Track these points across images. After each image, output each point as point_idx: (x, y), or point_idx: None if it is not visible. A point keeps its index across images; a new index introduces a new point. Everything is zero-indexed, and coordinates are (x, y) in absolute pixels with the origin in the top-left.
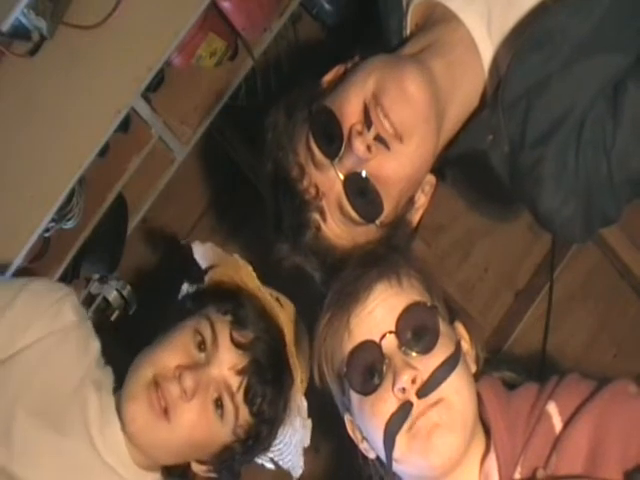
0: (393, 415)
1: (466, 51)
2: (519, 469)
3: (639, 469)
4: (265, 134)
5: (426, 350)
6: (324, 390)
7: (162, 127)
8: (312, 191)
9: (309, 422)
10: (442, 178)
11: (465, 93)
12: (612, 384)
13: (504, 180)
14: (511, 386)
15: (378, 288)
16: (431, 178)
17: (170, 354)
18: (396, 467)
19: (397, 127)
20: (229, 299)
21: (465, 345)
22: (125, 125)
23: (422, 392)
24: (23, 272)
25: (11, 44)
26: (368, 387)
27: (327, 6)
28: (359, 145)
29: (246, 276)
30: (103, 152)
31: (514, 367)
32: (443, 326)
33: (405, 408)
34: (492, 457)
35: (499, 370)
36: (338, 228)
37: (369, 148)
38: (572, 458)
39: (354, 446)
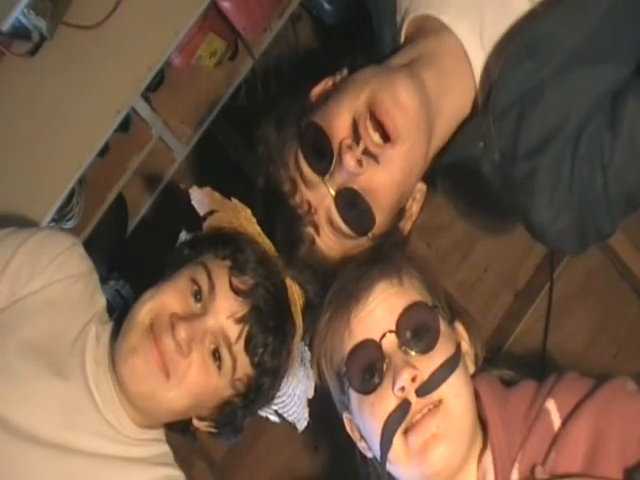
0: (391, 414)
1: (457, 62)
2: (517, 465)
3: (639, 467)
4: (256, 147)
5: (426, 350)
6: (323, 388)
7: (162, 127)
8: (305, 206)
9: (312, 373)
10: (433, 187)
11: (455, 103)
12: (611, 382)
13: (495, 189)
14: (510, 384)
15: (379, 287)
16: (422, 186)
17: (166, 301)
18: (390, 467)
19: (391, 133)
20: (228, 244)
21: (465, 345)
22: (125, 125)
23: (422, 391)
24: None
25: (11, 44)
26: (368, 386)
27: (327, 6)
28: (349, 160)
29: (245, 220)
30: (103, 152)
31: (512, 365)
32: (443, 326)
33: (404, 407)
34: (488, 454)
35: (497, 368)
36: (331, 241)
37: (360, 162)
38: (571, 455)
39: (352, 445)
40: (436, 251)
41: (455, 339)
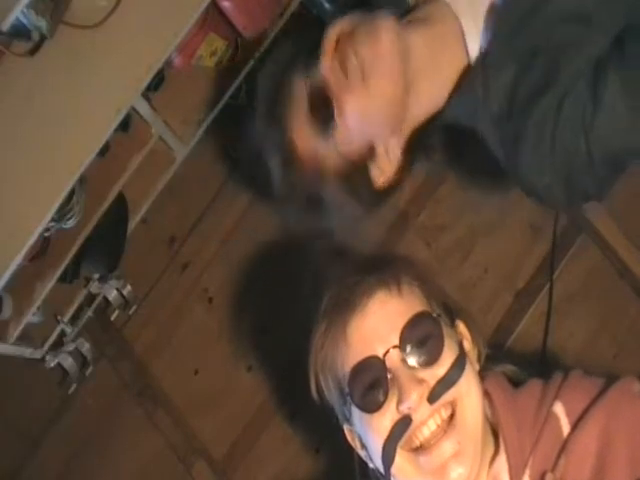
0: (392, 430)
1: (449, 30)
2: (528, 472)
3: None
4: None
5: (431, 362)
6: (321, 398)
7: (162, 127)
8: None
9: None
10: (432, 153)
11: (442, 69)
12: (617, 384)
13: (491, 147)
14: (512, 380)
15: (378, 297)
16: (396, 147)
17: None
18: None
19: (361, 63)
20: None
21: (467, 344)
22: (125, 124)
23: (432, 398)
24: (23, 271)
25: (11, 43)
26: (372, 404)
27: (327, 6)
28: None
29: None
30: (103, 151)
31: (515, 361)
32: (446, 331)
33: (404, 422)
34: (502, 458)
35: (501, 364)
36: (302, 131)
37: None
38: (580, 461)
39: (352, 450)
40: (436, 251)
41: (458, 340)
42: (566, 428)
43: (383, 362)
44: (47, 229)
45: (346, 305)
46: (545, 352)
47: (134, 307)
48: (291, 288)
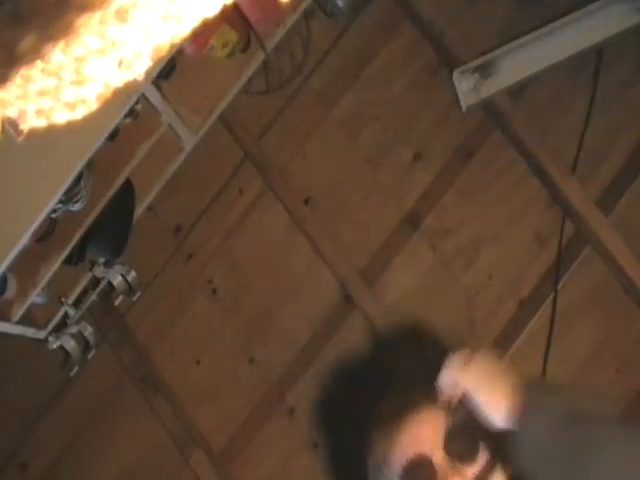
0: None
1: None
2: None
3: None
4: None
5: (471, 460)
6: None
7: (172, 115)
8: None
9: None
10: None
11: None
12: None
13: None
14: None
15: (426, 411)
16: None
17: None
18: None
19: None
20: None
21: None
22: (131, 111)
23: None
24: (28, 252)
25: None
26: None
27: (340, 3)
28: None
29: None
30: (112, 136)
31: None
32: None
33: None
34: None
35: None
36: None
37: None
38: None
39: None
40: (441, 255)
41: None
42: None
43: (430, 460)
44: (54, 210)
45: (399, 419)
46: (547, 363)
47: (138, 294)
48: (296, 283)
